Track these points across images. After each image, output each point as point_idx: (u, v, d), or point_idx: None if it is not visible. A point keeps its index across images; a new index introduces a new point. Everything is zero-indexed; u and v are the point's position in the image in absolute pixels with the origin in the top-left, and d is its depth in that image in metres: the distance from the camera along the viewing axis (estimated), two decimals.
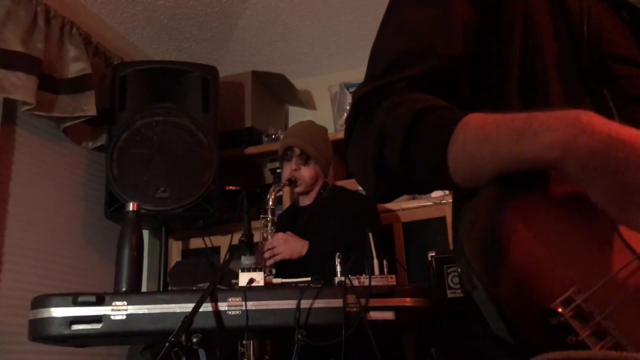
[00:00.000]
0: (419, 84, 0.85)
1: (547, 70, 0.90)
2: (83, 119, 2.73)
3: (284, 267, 2.37)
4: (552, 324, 0.62)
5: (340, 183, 2.98)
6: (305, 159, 2.63)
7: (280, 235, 2.42)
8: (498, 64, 0.92)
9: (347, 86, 3.46)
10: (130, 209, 1.97)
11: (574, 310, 0.62)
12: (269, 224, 2.48)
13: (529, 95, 0.89)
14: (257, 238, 2.50)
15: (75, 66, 2.70)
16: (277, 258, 2.37)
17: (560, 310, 0.62)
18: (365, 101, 0.88)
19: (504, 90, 0.91)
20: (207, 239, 3.11)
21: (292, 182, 2.61)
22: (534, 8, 0.93)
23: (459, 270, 0.71)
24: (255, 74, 3.54)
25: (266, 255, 2.39)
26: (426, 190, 0.95)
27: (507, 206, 0.69)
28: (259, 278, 1.86)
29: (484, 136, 0.71)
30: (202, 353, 1.81)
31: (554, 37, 0.91)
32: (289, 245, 2.38)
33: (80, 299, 1.76)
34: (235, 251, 2.14)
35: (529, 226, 0.67)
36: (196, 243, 3.25)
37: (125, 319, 1.75)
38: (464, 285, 0.69)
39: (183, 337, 1.49)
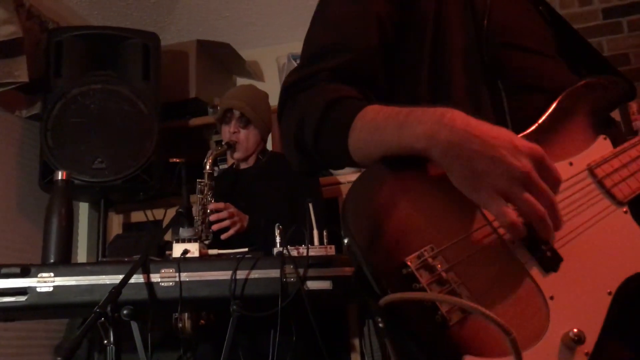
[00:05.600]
0: (337, 74, 0.97)
1: (452, 64, 1.00)
2: (14, 86, 2.60)
3: (222, 240, 2.32)
4: (403, 274, 0.74)
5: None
6: (245, 122, 2.56)
7: (229, 207, 2.33)
8: (412, 58, 1.03)
9: (295, 57, 3.39)
10: (60, 177, 1.89)
11: (422, 264, 0.75)
12: (205, 188, 2.40)
13: (436, 86, 1.00)
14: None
15: (5, 29, 2.56)
16: (230, 232, 2.28)
17: (409, 263, 0.75)
18: (292, 88, 1.00)
19: (416, 82, 1.01)
20: (149, 212, 3.02)
21: (231, 146, 2.53)
22: (445, 6, 1.04)
23: (345, 241, 0.78)
24: (200, 43, 3.44)
25: (211, 219, 2.30)
26: (338, 167, 1.06)
27: (390, 180, 0.81)
28: (193, 249, 1.81)
29: (375, 125, 0.85)
30: (134, 325, 1.76)
31: (462, 32, 1.02)
32: (239, 218, 2.31)
33: (4, 270, 1.68)
34: (172, 223, 2.08)
35: (407, 196, 0.80)
36: (138, 216, 3.16)
37: (52, 290, 1.68)
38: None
39: (109, 308, 1.43)
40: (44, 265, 1.74)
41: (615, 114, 1.11)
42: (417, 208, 0.80)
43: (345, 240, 0.78)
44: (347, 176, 2.97)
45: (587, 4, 3.16)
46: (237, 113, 2.56)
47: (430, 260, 0.75)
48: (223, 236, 2.28)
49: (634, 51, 3.02)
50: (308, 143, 0.95)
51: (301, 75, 1.00)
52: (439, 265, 0.76)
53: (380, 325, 0.75)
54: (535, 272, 0.80)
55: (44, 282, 1.68)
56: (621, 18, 3.07)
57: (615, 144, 0.96)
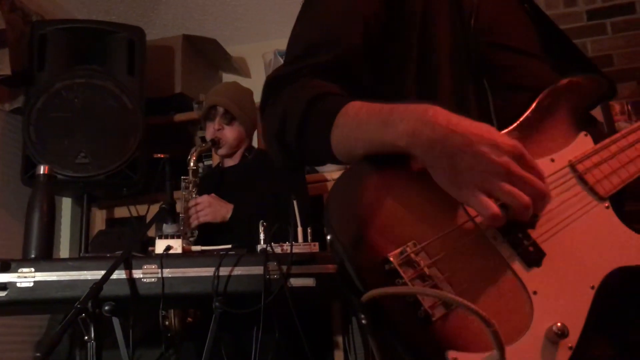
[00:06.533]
0: (321, 71, 0.98)
1: (440, 63, 1.01)
2: None
3: (209, 234, 2.31)
4: (385, 269, 0.75)
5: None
6: (230, 118, 2.55)
7: (205, 197, 2.35)
8: (398, 57, 1.03)
9: (281, 54, 3.38)
10: (42, 172, 1.86)
11: (405, 260, 0.76)
12: (190, 185, 2.39)
13: (422, 85, 1.01)
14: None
15: None
16: (201, 220, 2.30)
17: (392, 259, 0.75)
18: (275, 84, 1.00)
19: (402, 81, 1.02)
20: (132, 208, 3.00)
21: (215, 143, 2.52)
22: (433, 6, 1.04)
23: (328, 238, 0.78)
24: (186, 38, 3.42)
25: (190, 214, 2.32)
26: (320, 163, 1.12)
27: (373, 177, 0.82)
28: (176, 245, 1.80)
29: (357, 122, 0.85)
30: (116, 322, 1.74)
31: (449, 32, 1.03)
32: (213, 208, 2.32)
33: None
34: (156, 218, 2.06)
35: (389, 193, 0.81)
36: (121, 212, 3.14)
37: (33, 286, 1.66)
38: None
39: (90, 304, 1.42)
40: (25, 261, 1.72)
41: (599, 115, 1.12)
42: (399, 204, 0.80)
43: (328, 237, 0.78)
44: (333, 173, 2.96)
45: (571, 5, 3.18)
46: (221, 110, 2.55)
47: (412, 256, 0.76)
48: (193, 223, 2.29)
49: (617, 52, 3.04)
50: (290, 139, 0.95)
51: (285, 71, 1.01)
52: (422, 261, 0.76)
53: (363, 321, 0.75)
54: (518, 267, 0.81)
55: (25, 278, 1.66)
56: (605, 20, 3.10)
57: (596, 141, 0.96)
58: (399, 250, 0.76)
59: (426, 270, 0.76)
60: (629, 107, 2.92)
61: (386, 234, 0.78)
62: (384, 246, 0.77)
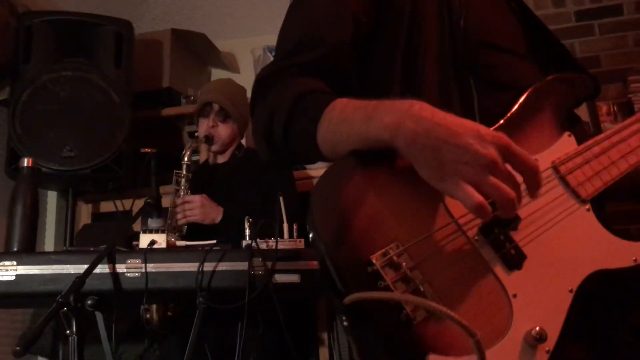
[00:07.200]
0: (308, 69, 0.98)
1: (425, 61, 1.01)
2: None
3: (198, 230, 2.30)
4: (368, 272, 0.74)
5: None
6: (224, 116, 2.55)
7: (198, 197, 2.34)
8: (386, 55, 1.03)
9: (271, 50, 3.37)
10: (25, 164, 1.85)
11: (387, 262, 0.75)
12: (183, 180, 2.38)
13: (408, 83, 1.00)
14: (168, 202, 2.43)
15: None
16: (189, 219, 2.29)
17: (374, 260, 0.74)
18: (263, 82, 1.00)
19: (388, 79, 1.02)
20: (118, 202, 2.97)
21: (209, 140, 2.51)
22: (421, 6, 1.05)
23: (310, 235, 0.77)
24: (175, 33, 3.39)
25: (178, 213, 2.31)
26: (306, 161, 1.14)
27: (357, 175, 0.81)
28: (161, 240, 1.79)
29: (343, 118, 0.85)
30: (99, 316, 1.73)
31: (437, 30, 1.03)
32: (204, 210, 2.31)
33: None
34: (141, 213, 2.05)
35: (373, 192, 0.80)
36: (107, 206, 3.11)
37: (15, 279, 1.65)
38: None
39: (72, 298, 1.41)
40: (7, 254, 1.71)
41: (585, 115, 1.13)
42: (383, 204, 0.79)
43: (310, 235, 0.77)
44: (321, 171, 2.94)
45: (560, 6, 3.20)
46: (216, 107, 2.55)
47: (395, 258, 0.76)
48: (180, 221, 2.29)
49: (605, 54, 3.06)
50: (277, 137, 0.95)
51: (273, 70, 1.01)
52: (404, 263, 0.76)
53: (345, 323, 0.75)
54: (499, 269, 0.81)
55: (6, 271, 1.65)
56: (593, 21, 3.12)
57: (579, 141, 0.97)
58: (381, 252, 0.76)
59: (408, 272, 0.75)
60: (615, 108, 2.94)
61: (369, 234, 0.77)
62: (367, 247, 0.76)
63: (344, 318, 0.75)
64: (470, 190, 0.74)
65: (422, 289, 0.75)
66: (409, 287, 0.75)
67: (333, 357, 2.47)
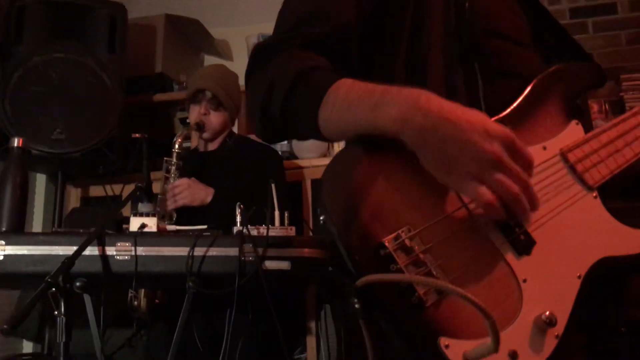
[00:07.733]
0: (311, 44, 0.95)
1: (430, 46, 0.99)
2: None
3: (189, 217, 2.30)
4: (381, 255, 0.74)
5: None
6: (217, 104, 2.53)
7: (184, 180, 2.34)
8: (390, 38, 1.01)
9: (265, 38, 3.35)
10: (15, 144, 1.83)
11: (399, 245, 0.75)
12: (173, 167, 2.37)
13: (412, 67, 0.99)
14: (158, 189, 2.42)
15: None
16: (178, 203, 2.29)
17: (387, 244, 0.75)
18: (263, 52, 0.97)
19: (393, 62, 1.00)
20: (108, 187, 2.96)
21: (200, 127, 2.50)
22: None
23: (322, 218, 0.77)
24: (168, 18, 3.37)
25: (168, 200, 2.31)
26: (302, 138, 1.06)
27: (368, 159, 0.81)
28: (151, 224, 1.78)
29: (348, 103, 0.83)
30: (87, 298, 1.73)
31: (442, 15, 1.01)
32: (192, 191, 2.30)
33: None
34: (131, 197, 2.04)
35: (385, 177, 0.80)
36: (96, 191, 3.09)
37: (3, 259, 1.64)
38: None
39: (61, 279, 1.40)
40: None
41: None
42: (394, 189, 0.80)
43: (321, 217, 0.77)
44: (312, 160, 2.96)
45: (555, 3, 3.21)
46: (208, 94, 2.53)
47: (407, 241, 0.76)
48: (170, 206, 2.28)
49: (598, 52, 3.08)
50: (275, 110, 0.93)
51: (275, 40, 0.98)
52: (416, 247, 0.76)
53: (357, 306, 0.75)
54: (509, 255, 0.82)
55: None
56: (587, 19, 3.13)
57: (586, 130, 0.97)
58: (393, 235, 0.76)
59: (421, 256, 0.76)
60: (607, 107, 2.96)
61: (381, 218, 0.77)
62: (379, 230, 0.76)
63: (355, 301, 0.74)
64: (479, 188, 0.75)
65: (434, 272, 0.76)
66: (421, 271, 0.75)
67: (320, 346, 2.47)
